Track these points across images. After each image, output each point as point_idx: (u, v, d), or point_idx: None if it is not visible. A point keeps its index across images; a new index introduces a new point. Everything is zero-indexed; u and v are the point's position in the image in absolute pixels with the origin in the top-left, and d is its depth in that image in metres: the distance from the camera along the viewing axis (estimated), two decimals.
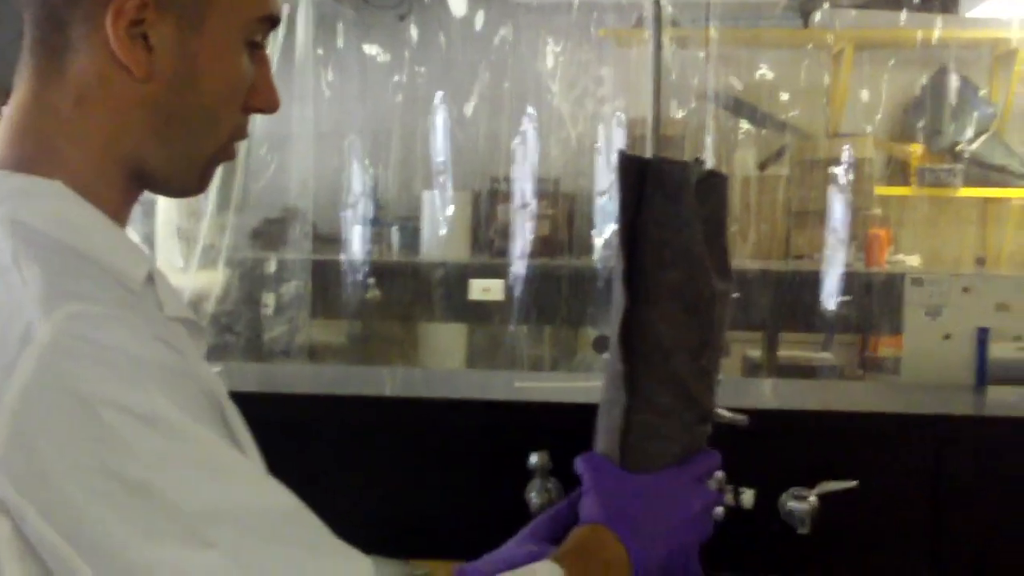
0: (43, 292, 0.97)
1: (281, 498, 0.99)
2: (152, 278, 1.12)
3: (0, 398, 0.92)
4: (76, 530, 0.90)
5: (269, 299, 5.12)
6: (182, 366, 0.99)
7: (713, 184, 1.33)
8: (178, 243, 4.85)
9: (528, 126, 5.17)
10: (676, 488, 1.30)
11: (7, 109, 1.12)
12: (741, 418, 1.51)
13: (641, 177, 1.32)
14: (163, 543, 0.90)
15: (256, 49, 1.15)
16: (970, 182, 5.65)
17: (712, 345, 1.32)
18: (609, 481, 1.30)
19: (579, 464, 1.33)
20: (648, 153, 1.65)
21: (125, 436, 0.91)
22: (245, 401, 1.96)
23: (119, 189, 1.12)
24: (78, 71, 1.08)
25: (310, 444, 1.91)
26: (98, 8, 1.06)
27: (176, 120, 1.11)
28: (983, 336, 2.29)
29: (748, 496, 1.52)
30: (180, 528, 0.91)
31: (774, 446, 1.81)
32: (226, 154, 1.17)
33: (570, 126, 5.32)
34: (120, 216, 1.13)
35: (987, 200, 5.85)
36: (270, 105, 1.18)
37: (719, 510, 1.46)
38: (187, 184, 1.16)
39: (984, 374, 2.28)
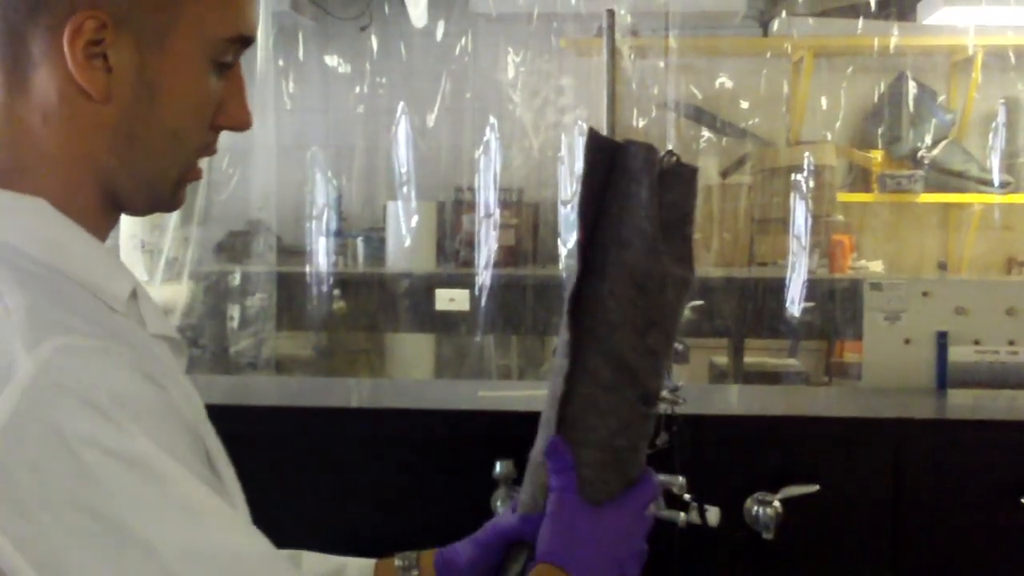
0: (26, 323, 0.96)
1: (256, 543, 1.00)
2: (136, 295, 1.11)
3: None
4: (50, 566, 0.90)
5: (234, 312, 5.10)
6: (165, 402, 0.98)
7: (680, 173, 1.35)
8: (142, 256, 4.83)
9: (491, 136, 5.17)
10: (627, 524, 1.31)
11: None
12: (678, 398, 1.51)
13: (609, 156, 1.34)
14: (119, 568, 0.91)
15: (226, 68, 1.14)
16: (931, 188, 5.70)
17: (660, 327, 1.33)
18: (570, 516, 1.30)
19: (551, 461, 1.32)
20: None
21: (103, 476, 0.91)
22: (213, 413, 1.97)
23: (96, 207, 1.11)
24: (41, 87, 1.06)
25: (278, 456, 1.91)
26: (57, 26, 1.04)
27: (138, 141, 1.09)
28: (943, 340, 2.31)
29: (713, 514, 1.53)
30: (154, 569, 0.91)
31: (737, 452, 1.83)
32: (193, 173, 1.15)
33: (532, 136, 5.34)
34: (100, 232, 1.12)
35: (948, 205, 5.90)
36: (240, 124, 1.16)
37: (681, 517, 1.47)
38: (157, 203, 1.15)
39: (944, 378, 2.30)
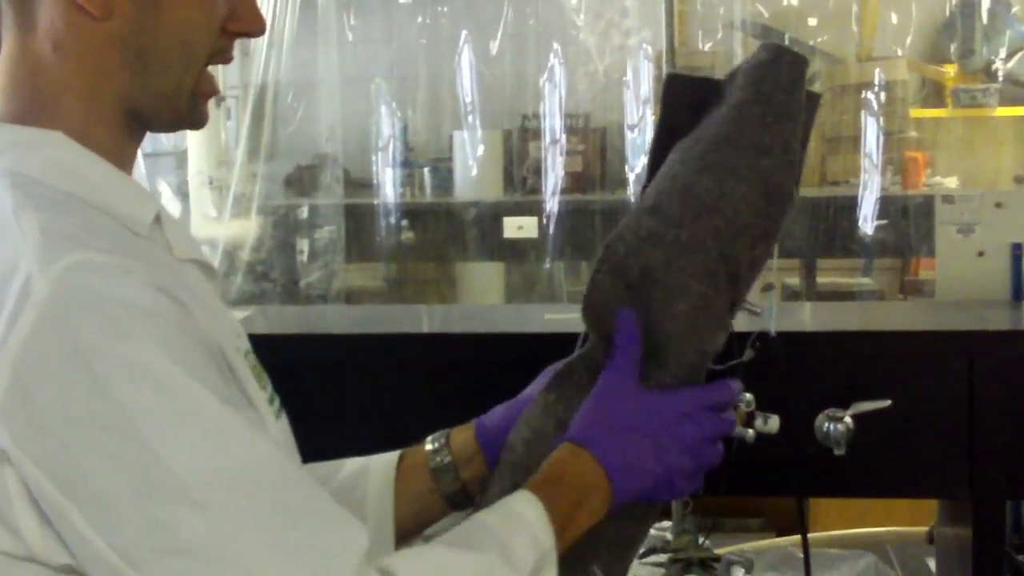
0: (40, 243, 0.97)
1: (274, 460, 0.99)
2: (160, 220, 1.11)
3: (2, 351, 0.93)
4: (70, 480, 0.92)
5: (303, 245, 5.14)
6: (180, 316, 0.98)
7: (811, 97, 1.34)
8: (210, 193, 4.87)
9: (555, 61, 5.13)
10: (679, 417, 1.25)
11: (1, 62, 1.11)
12: (757, 309, 1.48)
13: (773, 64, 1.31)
14: (153, 500, 0.91)
15: None
16: (1006, 101, 5.59)
17: (768, 241, 1.31)
18: (612, 395, 1.26)
19: (617, 333, 1.29)
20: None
21: (118, 390, 0.92)
22: (283, 342, 1.98)
23: (116, 133, 1.12)
24: (47, 18, 1.07)
25: (347, 382, 1.92)
26: None
27: (148, 53, 1.09)
28: (1017, 251, 2.27)
29: (774, 421, 1.50)
30: (170, 487, 0.92)
31: (807, 368, 1.81)
32: (209, 86, 1.16)
33: (597, 60, 5.28)
34: (122, 160, 1.13)
35: (1023, 119, 5.79)
36: (253, 27, 1.16)
37: (749, 433, 1.44)
38: (179, 117, 1.15)
39: (1019, 289, 2.26)
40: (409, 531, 1.38)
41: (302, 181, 5.41)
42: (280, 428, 1.17)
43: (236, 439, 0.96)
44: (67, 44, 1.07)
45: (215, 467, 0.93)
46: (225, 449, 0.95)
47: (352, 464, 1.39)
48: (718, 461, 1.28)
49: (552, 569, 1.14)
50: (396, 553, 1.16)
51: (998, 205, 2.29)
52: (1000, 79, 5.59)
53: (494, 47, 5.38)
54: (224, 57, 1.16)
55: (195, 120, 1.16)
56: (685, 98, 1.38)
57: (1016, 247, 2.27)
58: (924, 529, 2.43)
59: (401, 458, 1.39)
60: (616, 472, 1.22)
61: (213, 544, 0.92)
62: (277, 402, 1.18)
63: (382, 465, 1.38)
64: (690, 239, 1.27)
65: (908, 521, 2.64)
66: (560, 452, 1.24)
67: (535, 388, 1.37)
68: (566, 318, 1.96)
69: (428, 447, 1.38)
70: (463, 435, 1.39)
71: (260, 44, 4.90)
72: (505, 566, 1.10)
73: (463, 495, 1.37)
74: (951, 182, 5.54)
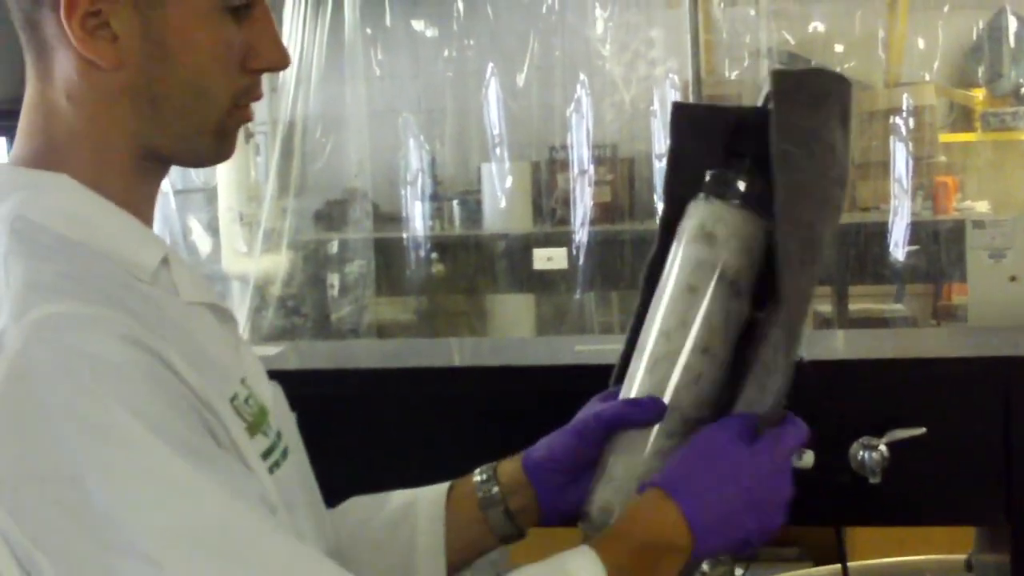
0: (19, 293, 0.98)
1: (237, 514, 0.97)
2: (167, 262, 1.11)
3: None
4: (37, 534, 0.92)
5: (334, 279, 5.16)
6: (150, 368, 0.98)
7: (840, 83, 1.33)
8: (240, 229, 4.89)
9: (581, 92, 5.14)
10: (769, 466, 1.21)
11: (23, 108, 1.13)
12: None
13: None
14: (112, 553, 0.92)
15: (244, 10, 1.12)
16: None
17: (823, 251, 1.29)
18: (713, 446, 1.21)
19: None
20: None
21: (74, 446, 0.92)
22: (314, 378, 1.98)
23: (130, 175, 1.12)
24: (61, 69, 1.08)
25: (379, 417, 1.92)
26: (57, 6, 1.05)
27: (162, 100, 1.09)
28: None
29: (808, 457, 1.47)
30: (124, 543, 0.91)
31: (841, 396, 1.80)
32: (240, 117, 1.15)
33: (623, 90, 5.29)
34: (136, 202, 1.13)
35: None
36: (275, 63, 1.15)
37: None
38: (202, 155, 1.15)
39: None
40: (457, 564, 1.36)
41: (331, 216, 5.44)
42: (280, 476, 1.15)
43: (193, 494, 0.95)
44: (79, 94, 1.08)
45: (168, 523, 0.93)
46: (180, 505, 0.94)
47: (399, 497, 1.38)
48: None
49: None
50: None
51: None
52: None
53: (521, 79, 5.39)
54: (253, 95, 1.15)
55: (220, 155, 1.16)
56: (691, 127, 1.37)
57: None
58: (962, 557, 2.40)
59: (450, 489, 1.38)
60: (702, 531, 1.17)
61: None
62: (280, 449, 1.16)
63: (433, 496, 1.37)
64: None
65: (946, 549, 2.61)
66: (642, 501, 1.20)
67: (599, 410, 1.33)
68: (597, 349, 1.96)
69: (476, 478, 1.37)
70: (511, 466, 1.37)
71: (288, 80, 4.93)
72: None
73: (512, 526, 1.36)
74: (982, 206, 5.52)
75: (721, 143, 1.33)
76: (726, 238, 1.28)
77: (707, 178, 1.31)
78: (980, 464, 1.81)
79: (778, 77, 1.26)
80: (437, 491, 1.38)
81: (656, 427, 1.28)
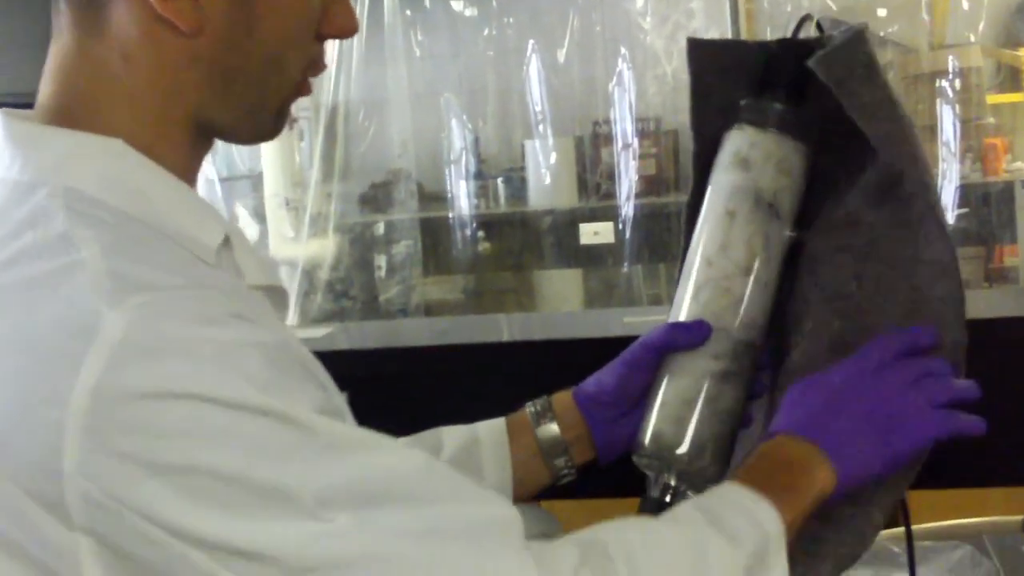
0: (105, 277, 0.86)
1: (388, 456, 0.91)
2: (229, 243, 1.01)
3: (67, 397, 0.82)
4: (179, 525, 0.83)
5: (381, 261, 5.17)
6: (264, 338, 0.89)
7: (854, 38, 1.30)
8: (287, 214, 4.91)
9: (623, 66, 5.12)
10: (877, 366, 1.17)
11: (49, 59, 0.99)
12: None
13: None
14: (277, 522, 0.84)
15: None
16: None
17: None
18: (810, 385, 1.18)
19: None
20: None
21: (211, 428, 0.83)
22: (364, 357, 1.99)
23: (183, 148, 1.00)
24: (120, 26, 0.95)
25: (429, 394, 1.93)
26: None
27: (237, 73, 0.98)
28: None
29: None
30: (293, 509, 0.84)
31: None
32: (301, 90, 1.05)
33: (665, 62, 5.26)
34: (188, 176, 1.01)
35: None
36: (348, 28, 1.04)
37: None
38: (260, 132, 1.05)
39: None
40: (518, 499, 1.33)
41: (377, 198, 5.44)
42: None
43: (357, 449, 0.89)
44: (141, 56, 0.96)
45: (338, 482, 0.86)
46: (347, 461, 0.87)
47: (456, 433, 1.35)
48: (960, 395, 1.22)
49: (781, 551, 1.03)
50: (597, 526, 1.03)
51: None
52: None
53: (561, 55, 5.37)
54: (319, 67, 1.06)
55: (275, 132, 1.06)
56: (711, 62, 1.37)
57: None
58: (1020, 518, 2.38)
59: (508, 422, 1.35)
60: (835, 452, 1.12)
61: (367, 550, 0.86)
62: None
63: (494, 434, 1.35)
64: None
65: (1002, 511, 2.59)
66: (764, 446, 1.15)
67: (646, 337, 1.33)
68: (646, 320, 1.95)
69: (529, 410, 1.36)
70: (564, 401, 1.35)
71: (330, 64, 4.93)
72: (720, 536, 1.00)
73: (567, 458, 1.34)
74: None
75: (742, 76, 1.33)
76: (761, 162, 1.29)
77: (741, 107, 1.32)
78: None
79: (824, 67, 1.25)
80: (497, 427, 1.35)
81: (703, 349, 1.28)
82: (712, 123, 1.35)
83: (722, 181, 1.32)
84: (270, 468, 0.84)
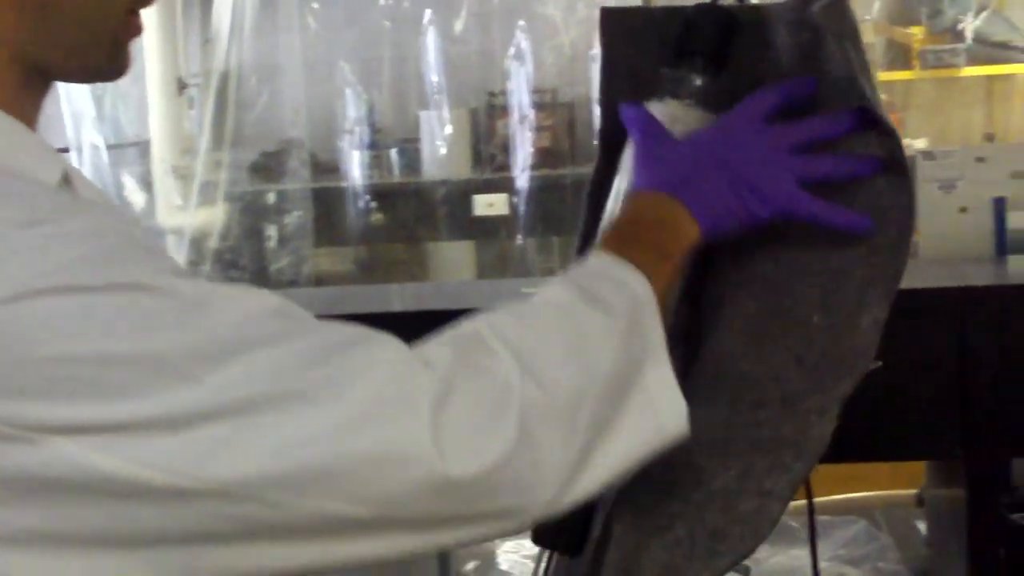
0: None
1: (249, 301, 0.91)
2: (68, 180, 0.98)
3: None
4: (51, 420, 0.81)
5: (272, 231, 5.11)
6: (103, 221, 0.89)
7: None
8: (175, 182, 4.82)
9: (520, 37, 5.09)
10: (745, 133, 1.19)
11: None
12: None
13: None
14: (155, 390, 0.83)
15: None
16: (973, 61, 5.57)
17: None
18: (660, 146, 1.20)
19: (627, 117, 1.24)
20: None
21: (64, 317, 0.82)
22: None
23: (16, 89, 0.97)
24: None
25: None
26: None
27: (51, 9, 0.95)
28: (1000, 206, 2.23)
29: None
30: (168, 374, 0.83)
31: None
32: (134, 26, 1.02)
33: (563, 32, 5.24)
34: (25, 119, 0.98)
35: (992, 78, 5.77)
36: None
37: None
38: (95, 70, 1.02)
39: (1003, 244, 2.23)
40: None
41: (268, 167, 5.36)
42: None
43: (230, 296, 0.91)
44: None
45: (218, 329, 0.87)
46: (224, 306, 0.89)
47: None
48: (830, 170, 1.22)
49: (656, 314, 1.06)
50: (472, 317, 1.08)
51: (979, 160, 2.26)
52: (967, 39, 5.57)
53: (459, 25, 5.33)
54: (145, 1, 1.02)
55: (115, 71, 1.03)
56: (623, 32, 1.34)
57: (998, 201, 2.24)
58: (912, 492, 2.40)
59: None
60: (687, 194, 1.15)
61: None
62: None
63: None
64: None
65: (889, 485, 2.62)
66: (629, 207, 1.19)
67: None
68: None
69: None
70: None
71: (222, 31, 4.85)
72: (595, 310, 1.04)
73: None
74: (921, 143, 5.52)
75: (655, 46, 1.30)
76: (683, 136, 1.25)
77: (661, 78, 1.28)
78: (935, 398, 1.80)
79: (827, 15, 1.24)
80: None
81: None
82: (623, 95, 1.30)
83: None
84: (133, 340, 0.84)
